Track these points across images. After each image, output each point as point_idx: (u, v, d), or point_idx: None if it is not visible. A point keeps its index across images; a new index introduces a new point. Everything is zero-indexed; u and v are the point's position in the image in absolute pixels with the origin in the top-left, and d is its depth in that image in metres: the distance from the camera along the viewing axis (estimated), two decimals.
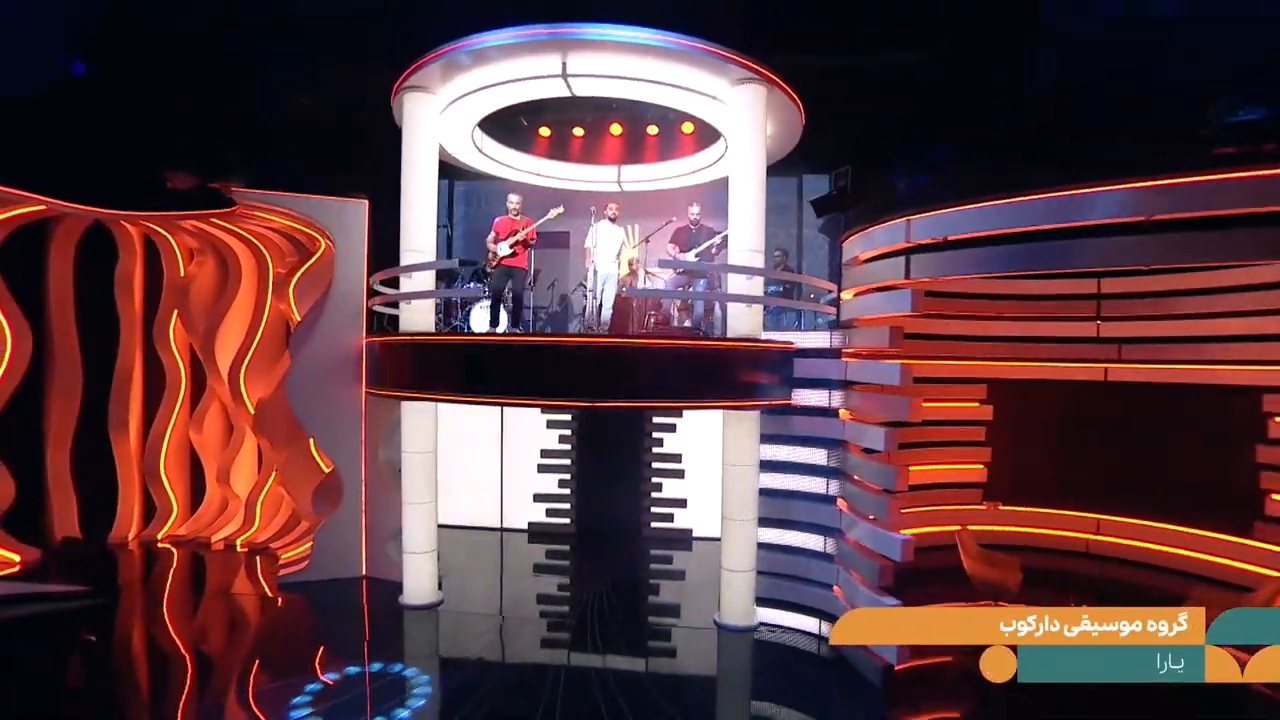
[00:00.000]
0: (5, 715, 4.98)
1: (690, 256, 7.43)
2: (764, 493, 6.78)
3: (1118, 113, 6.87)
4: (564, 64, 6.38)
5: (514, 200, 7.33)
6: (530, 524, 9.74)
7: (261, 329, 8.83)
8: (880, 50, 7.85)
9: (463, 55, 6.26)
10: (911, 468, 6.17)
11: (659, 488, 9.61)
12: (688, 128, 8.49)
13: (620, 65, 6.42)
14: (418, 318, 6.98)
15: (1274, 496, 6.53)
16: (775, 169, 7.60)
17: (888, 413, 6.07)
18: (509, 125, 8.42)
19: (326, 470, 8.03)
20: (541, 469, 9.72)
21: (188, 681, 5.68)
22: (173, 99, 7.84)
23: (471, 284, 8.44)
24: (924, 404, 6.04)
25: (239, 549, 8.72)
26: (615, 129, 8.89)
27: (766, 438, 6.84)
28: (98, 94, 7.67)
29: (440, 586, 7.24)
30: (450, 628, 6.77)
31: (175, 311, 9.12)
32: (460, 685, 5.53)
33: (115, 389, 8.99)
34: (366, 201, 7.81)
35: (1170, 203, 4.59)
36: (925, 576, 6.49)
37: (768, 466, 6.92)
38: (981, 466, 7.83)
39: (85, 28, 7.23)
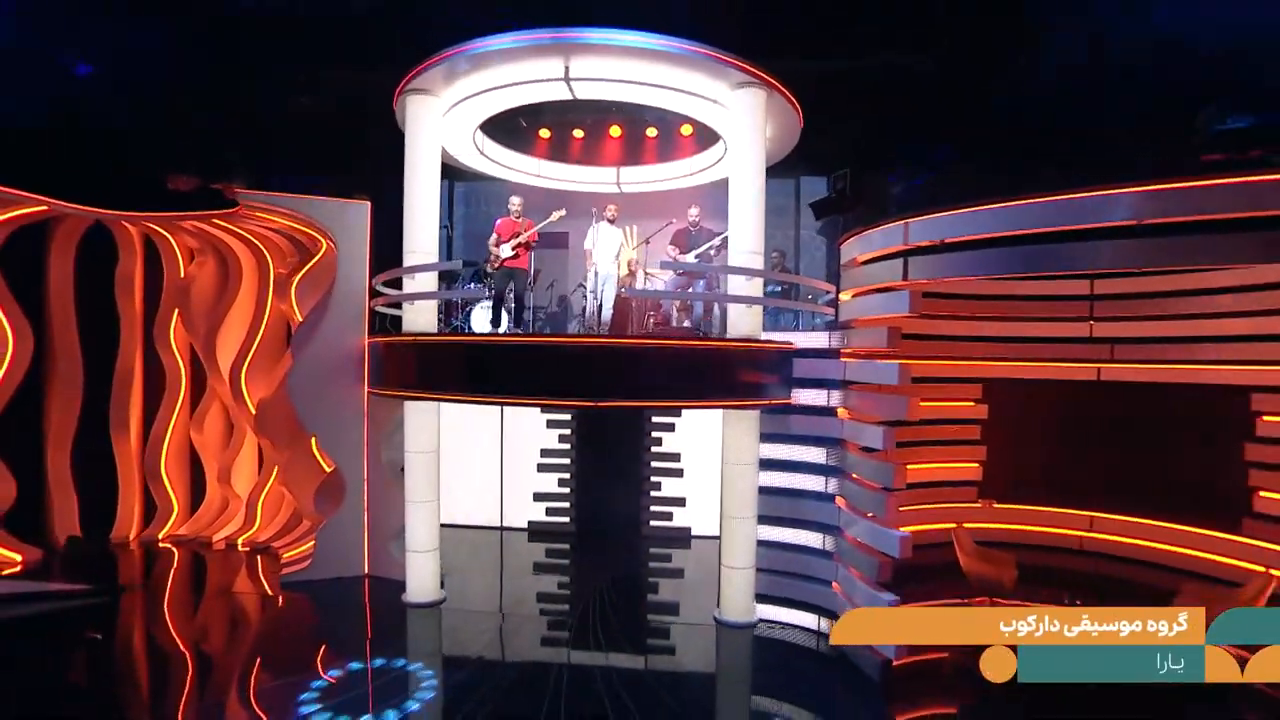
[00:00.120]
0: (15, 712, 5.02)
1: (690, 258, 7.51)
2: (764, 491, 6.87)
3: (1111, 119, 6.99)
4: (566, 68, 6.45)
5: (516, 202, 7.39)
6: (530, 523, 9.81)
7: (262, 329, 8.87)
8: (878, 54, 7.94)
9: (466, 59, 6.31)
10: (909, 466, 6.27)
11: (658, 486, 9.70)
12: (686, 130, 8.57)
13: (622, 69, 6.50)
14: (421, 318, 7.03)
15: (1262, 494, 6.66)
16: (773, 171, 7.67)
17: (886, 412, 6.16)
18: (509, 127, 8.46)
19: (328, 470, 8.07)
20: (541, 468, 9.79)
21: (197, 679, 5.75)
22: (174, 100, 7.86)
23: (472, 285, 8.50)
24: (920, 403, 6.14)
25: (240, 548, 8.75)
26: (615, 131, 8.95)
27: (766, 436, 6.93)
28: (101, 95, 7.69)
29: (442, 585, 7.30)
30: (454, 625, 6.83)
31: (176, 312, 9.14)
32: (465, 680, 5.60)
33: (116, 389, 9.01)
34: (369, 203, 7.86)
35: (1161, 207, 4.71)
36: (922, 573, 6.59)
37: (767, 465, 7.00)
38: (977, 465, 7.93)
39: (89, 29, 7.24)
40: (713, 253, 7.59)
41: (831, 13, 7.68)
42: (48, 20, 7.18)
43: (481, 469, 9.77)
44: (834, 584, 6.58)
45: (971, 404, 7.96)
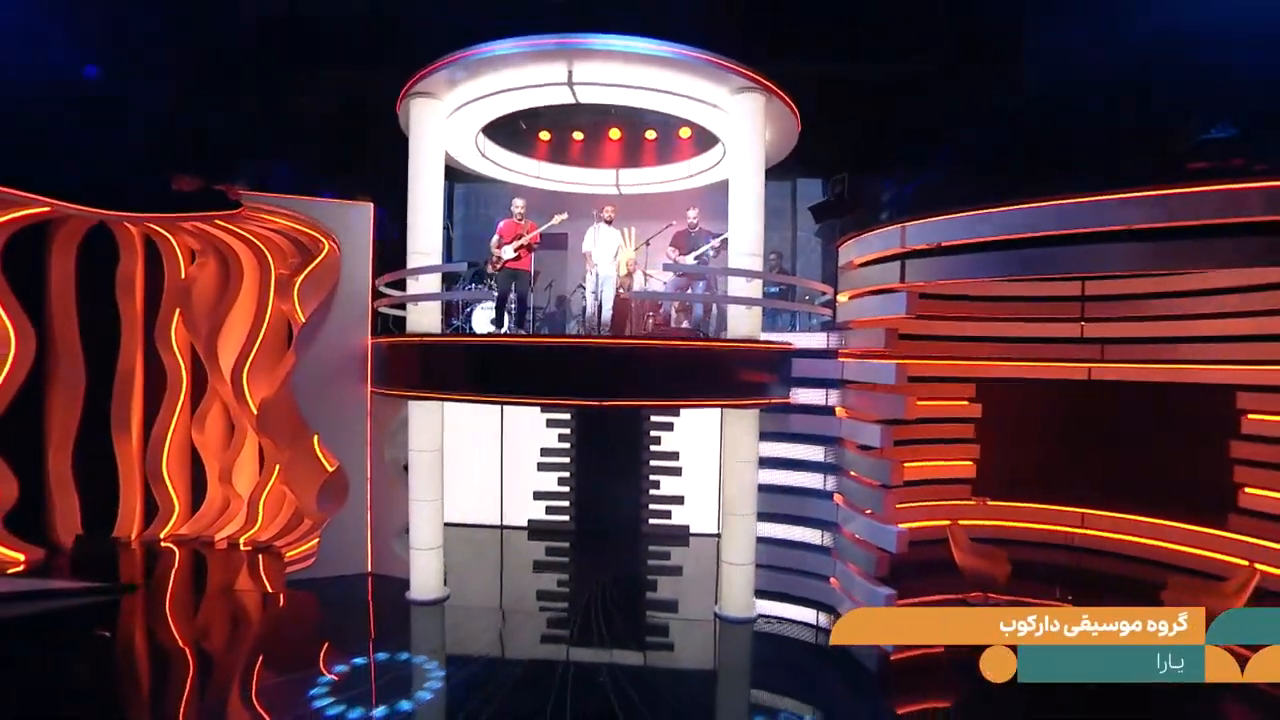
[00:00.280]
0: (27, 709, 5.08)
1: (689, 260, 7.62)
2: (763, 488, 6.98)
3: (1101, 128, 7.17)
4: (570, 72, 6.55)
5: (518, 204, 7.49)
6: (530, 521, 9.88)
7: (264, 330, 8.92)
8: (876, 60, 8.08)
9: (471, 63, 6.40)
10: (905, 464, 6.41)
11: (657, 485, 9.79)
12: (685, 132, 8.68)
13: (625, 74, 6.61)
14: (425, 319, 7.11)
15: (1247, 490, 6.86)
16: (770, 173, 7.76)
17: (884, 411, 6.29)
18: (509, 129, 8.55)
19: (330, 469, 8.14)
20: (541, 467, 9.87)
21: (210, 675, 5.84)
22: (178, 102, 7.91)
23: (472, 285, 8.58)
24: (917, 403, 6.29)
25: (242, 548, 8.80)
26: (614, 133, 9.04)
27: (766, 435, 7.04)
28: (105, 96, 7.72)
29: (445, 583, 7.39)
30: (458, 622, 6.91)
31: (177, 312, 9.17)
32: (472, 675, 5.68)
33: (117, 389, 9.04)
34: (371, 204, 7.92)
35: (1149, 213, 4.88)
36: (918, 569, 6.75)
37: (767, 463, 7.12)
38: (971, 463, 8.10)
39: (95, 31, 7.28)
40: (712, 254, 7.70)
41: (830, 18, 7.81)
42: (52, 22, 7.21)
43: (482, 468, 9.84)
44: (832, 579, 6.72)
45: (965, 403, 8.13)
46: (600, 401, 6.32)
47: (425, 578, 7.18)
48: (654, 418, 9.78)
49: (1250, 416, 6.87)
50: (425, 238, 7.08)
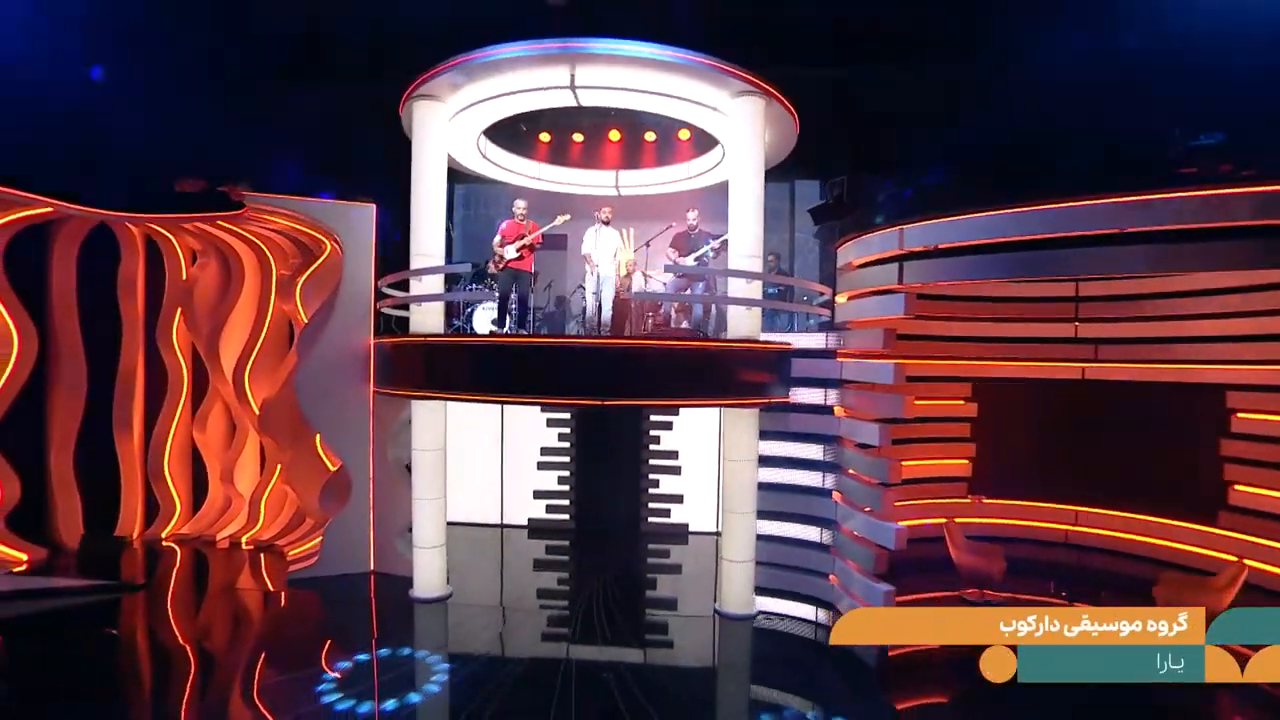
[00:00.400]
0: (44, 703, 5.14)
1: (689, 261, 7.71)
2: (763, 486, 7.07)
3: (1095, 134, 7.29)
4: (572, 76, 6.63)
5: (520, 206, 7.56)
6: (530, 520, 9.95)
7: (265, 330, 8.96)
8: (874, 64, 8.18)
9: (474, 67, 6.47)
10: (902, 463, 6.51)
11: (656, 484, 9.87)
12: (684, 134, 8.77)
13: (627, 78, 6.69)
14: (428, 319, 7.17)
15: (1237, 487, 6.99)
16: (768, 174, 7.83)
17: (882, 410, 6.39)
18: (510, 130, 8.62)
19: (332, 468, 8.19)
20: (541, 466, 9.94)
21: (220, 672, 5.92)
22: (182, 104, 7.95)
23: (474, 286, 8.63)
24: (915, 402, 6.39)
25: (244, 547, 8.84)
26: (614, 135, 9.12)
27: (765, 433, 7.12)
28: (108, 97, 7.76)
29: (447, 581, 7.45)
30: (461, 619, 6.98)
31: (178, 312, 9.20)
32: (477, 671, 5.76)
33: (119, 389, 9.07)
34: (374, 205, 7.98)
35: (1139, 216, 5.00)
36: (915, 566, 6.86)
37: (766, 461, 7.20)
38: (967, 461, 8.21)
39: (100, 33, 7.32)
40: (712, 255, 7.79)
41: (829, 23, 7.90)
42: (58, 23, 7.24)
43: (482, 467, 9.91)
44: (831, 576, 6.81)
45: (962, 402, 8.24)
46: (603, 401, 6.40)
47: (429, 576, 7.24)
48: (653, 417, 9.86)
49: (1240, 415, 7.00)
50: (429, 239, 7.14)
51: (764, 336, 7.01)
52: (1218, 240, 4.81)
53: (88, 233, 8.72)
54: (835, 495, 6.93)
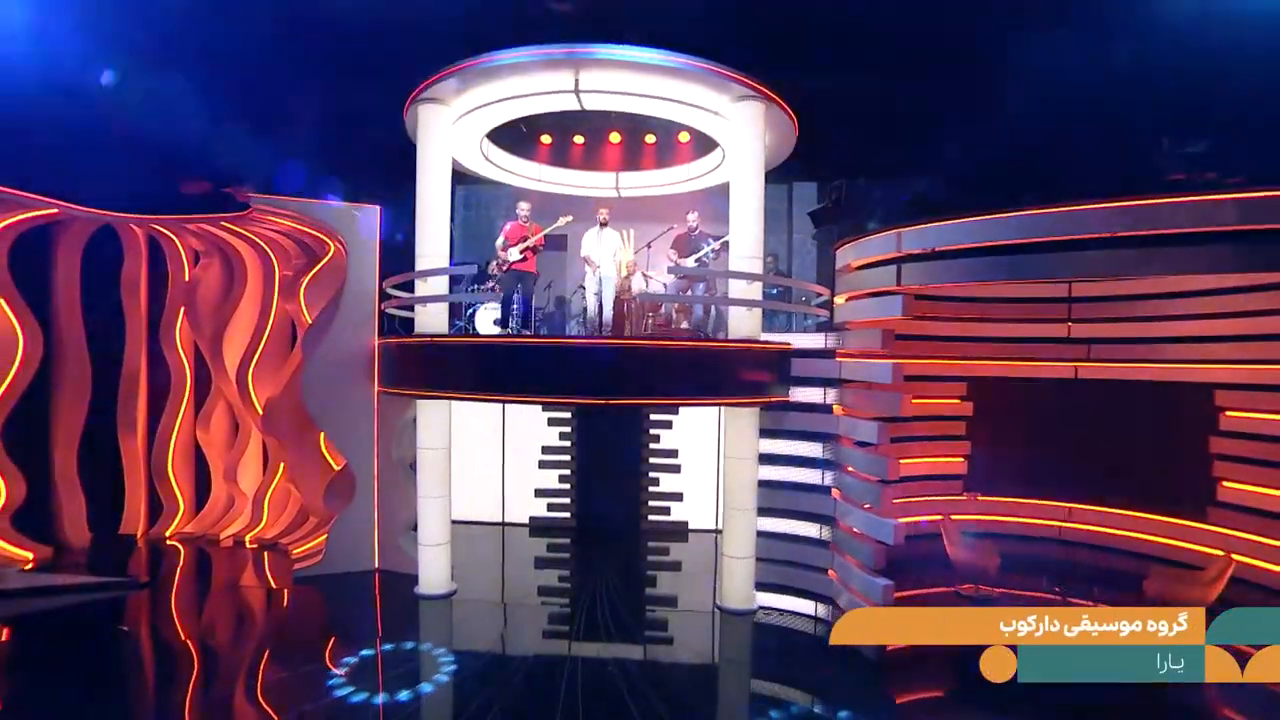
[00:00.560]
0: (60, 698, 5.22)
1: (690, 262, 7.82)
2: (763, 484, 7.19)
3: (1088, 140, 7.45)
4: (576, 80, 6.73)
5: (524, 207, 7.65)
6: (531, 518, 10.06)
7: (268, 330, 9.03)
8: (873, 70, 8.29)
9: (479, 71, 6.56)
10: (900, 460, 6.64)
11: (656, 482, 9.98)
12: (684, 137, 8.87)
13: (629, 83, 6.79)
14: (434, 320, 7.26)
15: (1225, 484, 7.14)
16: (767, 176, 7.93)
17: (880, 408, 6.51)
18: (511, 132, 8.70)
19: (337, 467, 8.27)
20: (542, 465, 10.04)
21: (232, 666, 6.03)
22: (186, 105, 8.00)
23: (476, 286, 8.70)
24: (912, 400, 6.51)
25: (248, 545, 8.91)
26: (615, 137, 9.21)
27: (765, 432, 7.24)
28: (112, 99, 7.82)
29: (451, 578, 7.55)
30: (465, 616, 7.09)
31: (181, 312, 9.26)
32: (482, 666, 5.87)
33: (122, 388, 9.13)
34: (378, 207, 8.06)
35: (1129, 221, 5.16)
36: (911, 562, 6.99)
37: (766, 459, 7.31)
38: (962, 459, 8.35)
39: (103, 34, 7.37)
40: (712, 256, 7.89)
41: (829, 29, 8.01)
42: (63, 24, 7.29)
43: (484, 465, 10.00)
44: (830, 571, 6.94)
45: (957, 401, 8.37)
46: (604, 400, 6.50)
47: (433, 573, 7.33)
48: (653, 416, 9.97)
49: (1228, 414, 7.15)
50: (433, 240, 7.23)
51: (764, 336, 7.13)
52: (1206, 244, 4.96)
53: (92, 233, 8.77)
54: (834, 492, 7.05)
